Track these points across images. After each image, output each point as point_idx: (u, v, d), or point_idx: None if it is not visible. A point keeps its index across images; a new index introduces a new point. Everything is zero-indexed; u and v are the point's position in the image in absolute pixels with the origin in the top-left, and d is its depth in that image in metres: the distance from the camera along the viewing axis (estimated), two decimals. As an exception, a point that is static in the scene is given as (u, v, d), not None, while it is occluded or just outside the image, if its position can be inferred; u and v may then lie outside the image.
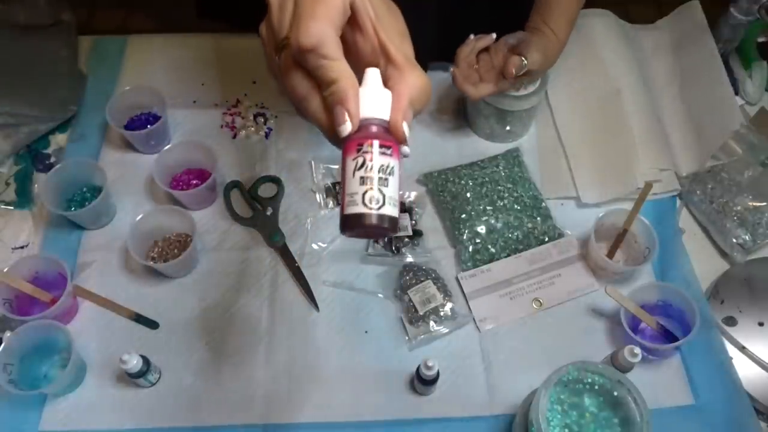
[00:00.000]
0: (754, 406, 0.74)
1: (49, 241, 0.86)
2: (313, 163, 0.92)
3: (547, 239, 0.85)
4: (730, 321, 0.79)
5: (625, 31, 1.02)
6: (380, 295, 0.82)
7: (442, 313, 0.79)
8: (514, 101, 0.87)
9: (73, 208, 0.86)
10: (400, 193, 0.89)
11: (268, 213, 0.88)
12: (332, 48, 0.43)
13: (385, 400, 0.75)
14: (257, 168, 0.92)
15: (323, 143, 0.94)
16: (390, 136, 0.45)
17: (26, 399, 0.74)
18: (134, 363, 0.70)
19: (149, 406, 0.74)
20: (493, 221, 0.85)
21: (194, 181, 0.89)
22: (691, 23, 1.01)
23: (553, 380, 0.61)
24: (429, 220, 0.88)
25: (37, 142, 0.94)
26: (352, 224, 0.44)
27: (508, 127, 0.92)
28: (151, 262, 0.81)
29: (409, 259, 0.84)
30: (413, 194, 0.89)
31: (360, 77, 0.45)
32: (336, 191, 0.89)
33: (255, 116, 0.97)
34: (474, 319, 0.80)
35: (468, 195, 0.86)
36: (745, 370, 0.76)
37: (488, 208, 0.85)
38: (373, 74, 0.45)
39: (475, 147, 0.95)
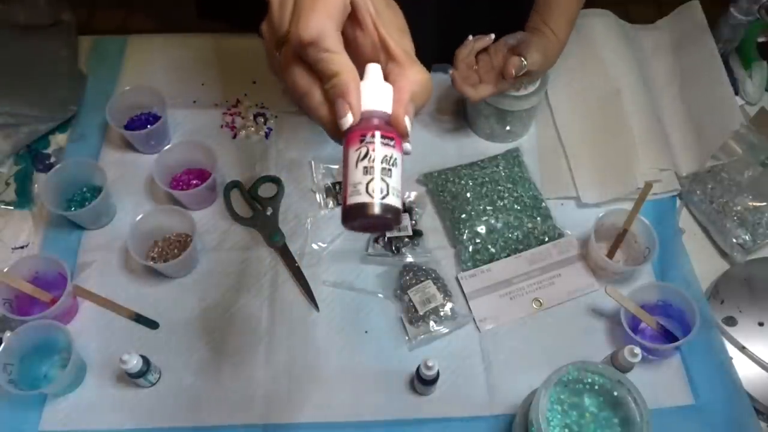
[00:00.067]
0: (754, 406, 0.74)
1: (49, 241, 0.86)
2: (313, 163, 0.92)
3: (547, 239, 0.85)
4: (730, 321, 0.79)
5: (625, 31, 1.02)
6: (380, 295, 0.82)
7: (442, 313, 0.79)
8: (514, 101, 0.87)
9: (73, 208, 0.86)
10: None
11: (268, 213, 0.88)
12: (332, 41, 0.43)
13: (385, 400, 0.75)
14: (257, 168, 0.92)
15: (323, 143, 0.94)
16: (392, 129, 0.45)
17: (26, 399, 0.74)
18: (134, 363, 0.70)
19: (149, 406, 0.74)
20: (493, 221, 0.85)
21: (194, 181, 0.89)
22: (691, 23, 1.01)
23: (553, 380, 0.61)
24: (429, 220, 0.88)
25: (37, 142, 0.94)
26: (354, 214, 0.43)
27: (508, 127, 0.92)
28: (151, 262, 0.81)
29: (409, 259, 0.84)
30: (413, 194, 0.89)
31: (361, 73, 0.45)
32: (336, 191, 0.89)
33: (255, 116, 0.97)
34: (474, 319, 0.80)
35: (468, 195, 0.86)
36: (745, 370, 0.76)
37: (488, 208, 0.85)
38: (374, 69, 0.45)
39: (475, 147, 0.95)
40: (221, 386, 0.76)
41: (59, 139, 0.95)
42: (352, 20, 0.46)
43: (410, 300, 0.79)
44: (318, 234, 0.87)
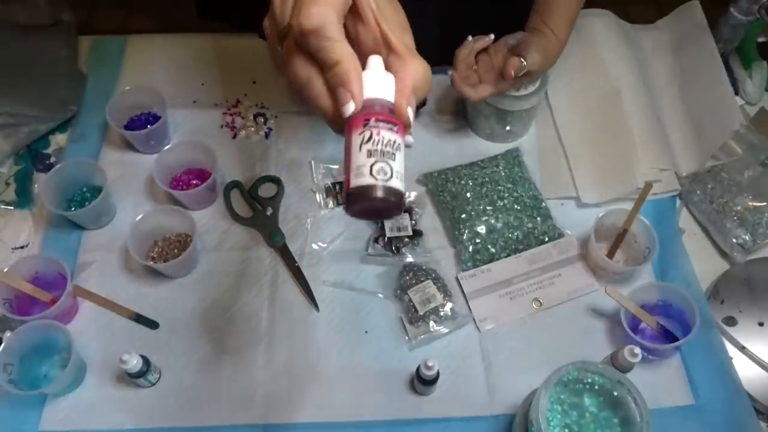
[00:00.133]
0: (754, 406, 0.74)
1: (49, 241, 0.86)
2: (313, 163, 0.92)
3: (547, 239, 0.85)
4: (730, 321, 0.79)
5: (625, 31, 1.02)
6: (380, 295, 0.82)
7: (442, 313, 0.79)
8: (514, 101, 0.87)
9: (73, 208, 0.86)
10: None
11: (268, 213, 0.88)
12: (334, 30, 0.44)
13: (385, 400, 0.75)
14: (257, 168, 0.92)
15: (323, 143, 0.94)
16: (395, 117, 0.45)
17: (26, 399, 0.74)
18: (134, 363, 0.70)
19: (149, 406, 0.74)
20: (493, 221, 0.85)
21: (194, 181, 0.89)
22: (691, 23, 1.01)
23: (553, 380, 0.61)
24: (429, 220, 0.88)
25: (37, 142, 0.94)
26: (358, 198, 0.43)
27: (508, 127, 0.92)
28: (151, 262, 0.81)
29: (409, 259, 0.84)
30: (413, 194, 0.89)
31: (363, 66, 0.45)
32: (336, 191, 0.89)
33: (255, 116, 0.97)
34: (474, 319, 0.80)
35: (468, 195, 0.86)
36: (745, 370, 0.76)
37: (488, 208, 0.85)
38: (375, 60, 0.46)
39: (475, 147, 0.95)
40: (221, 386, 0.76)
41: (59, 139, 0.95)
42: (353, 15, 0.46)
43: (410, 300, 0.79)
44: (318, 234, 0.87)
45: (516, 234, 0.85)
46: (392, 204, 0.43)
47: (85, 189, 0.88)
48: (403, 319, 0.80)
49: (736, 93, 0.98)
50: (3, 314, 0.75)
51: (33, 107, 0.92)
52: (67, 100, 0.96)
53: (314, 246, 0.86)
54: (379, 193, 0.42)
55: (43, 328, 0.74)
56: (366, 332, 0.79)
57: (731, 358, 0.76)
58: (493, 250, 0.84)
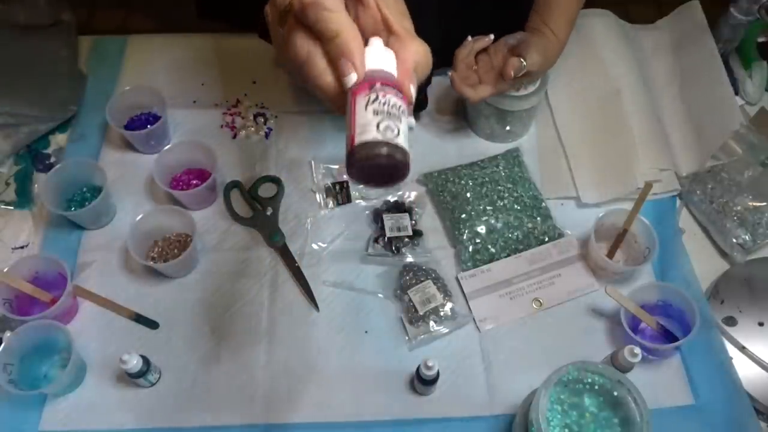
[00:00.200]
0: (754, 406, 0.74)
1: (49, 241, 0.86)
2: (313, 163, 0.92)
3: (547, 239, 0.85)
4: (730, 321, 0.79)
5: (625, 31, 1.02)
6: (380, 295, 0.82)
7: (442, 313, 0.79)
8: (514, 101, 0.87)
9: (73, 208, 0.86)
10: (400, 193, 0.89)
11: (268, 213, 0.88)
12: (333, 1, 0.44)
13: (385, 400, 0.75)
14: (257, 168, 0.92)
15: (323, 143, 0.94)
16: (399, 87, 0.44)
17: (26, 399, 0.74)
18: (134, 363, 0.70)
19: (149, 406, 0.74)
20: (493, 221, 0.85)
21: (194, 181, 0.89)
22: (691, 23, 1.01)
23: (553, 380, 0.61)
24: (429, 220, 0.88)
25: (37, 142, 0.94)
26: (363, 155, 0.41)
27: (508, 127, 0.92)
28: (151, 262, 0.81)
29: (409, 259, 0.84)
30: (413, 194, 0.89)
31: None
32: (336, 191, 0.89)
33: (255, 116, 0.97)
34: (474, 319, 0.80)
35: (468, 195, 0.86)
36: (745, 370, 0.76)
37: (488, 208, 0.85)
38: (376, 41, 0.46)
39: (475, 147, 0.95)
40: (221, 386, 0.76)
41: (59, 139, 0.95)
42: None
43: (410, 300, 0.79)
44: (318, 234, 0.87)
45: (516, 234, 0.85)
46: (398, 162, 0.41)
47: (85, 189, 0.88)
48: (403, 319, 0.80)
49: (736, 93, 0.98)
50: (3, 314, 0.75)
51: (33, 107, 0.92)
52: (67, 100, 0.96)
53: (314, 246, 0.86)
54: (386, 149, 0.41)
55: (43, 328, 0.74)
56: (366, 332, 0.79)
57: (731, 358, 0.76)
58: (493, 250, 0.84)
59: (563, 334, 0.79)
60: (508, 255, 0.84)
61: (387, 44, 0.46)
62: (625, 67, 0.96)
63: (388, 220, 0.85)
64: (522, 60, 0.79)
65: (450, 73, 0.83)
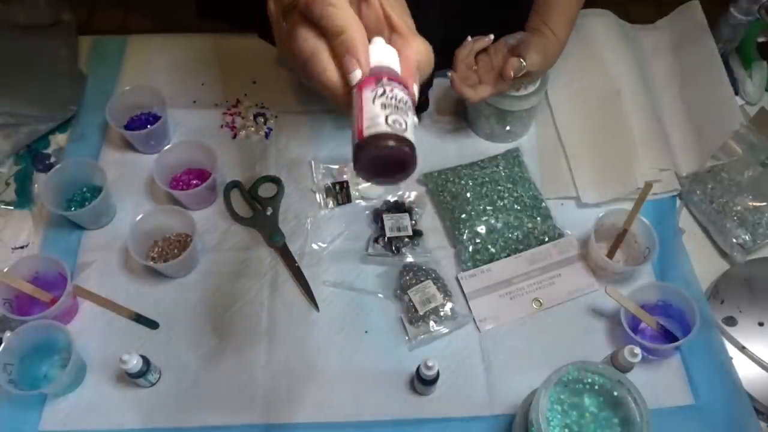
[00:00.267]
0: (754, 406, 0.74)
1: (49, 241, 0.86)
2: (313, 163, 0.92)
3: (547, 239, 0.85)
4: (730, 321, 0.79)
5: (625, 31, 1.02)
6: (380, 295, 0.82)
7: (442, 313, 0.79)
8: (514, 101, 0.87)
9: (73, 208, 0.86)
10: (400, 193, 0.89)
11: (268, 213, 0.88)
12: None
13: (385, 400, 0.75)
14: (257, 168, 0.92)
15: (323, 143, 0.94)
16: (404, 81, 0.44)
17: (26, 399, 0.74)
18: (134, 363, 0.70)
19: (149, 406, 0.74)
20: (493, 221, 0.85)
21: (194, 181, 0.89)
22: (691, 23, 1.01)
23: (553, 380, 0.61)
24: (429, 220, 0.88)
25: (37, 142, 0.94)
26: (372, 147, 0.41)
27: (508, 127, 0.92)
28: (151, 262, 0.81)
29: (409, 259, 0.84)
30: (413, 194, 0.89)
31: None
32: (336, 191, 0.89)
33: (255, 116, 0.97)
34: (474, 319, 0.80)
35: (468, 195, 0.86)
36: (745, 370, 0.76)
37: (488, 208, 0.85)
38: (379, 39, 0.46)
39: (475, 147, 0.95)
40: (221, 386, 0.76)
41: (59, 139, 0.95)
42: None
43: (410, 300, 0.79)
44: (318, 234, 0.87)
45: (516, 234, 0.85)
46: (407, 155, 0.41)
47: (85, 189, 0.88)
48: (403, 319, 0.80)
49: (736, 93, 0.98)
50: (3, 314, 0.75)
51: (33, 107, 0.92)
52: (67, 100, 0.96)
53: (314, 246, 0.86)
54: (394, 142, 0.41)
55: (43, 328, 0.74)
56: (366, 332, 0.79)
57: (731, 358, 0.76)
58: (493, 250, 0.84)
59: (563, 334, 0.79)
60: (508, 255, 0.84)
61: (389, 42, 0.47)
62: (625, 67, 0.96)
63: (388, 220, 0.85)
64: (522, 60, 0.79)
65: (450, 74, 0.83)
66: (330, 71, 0.44)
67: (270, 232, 0.86)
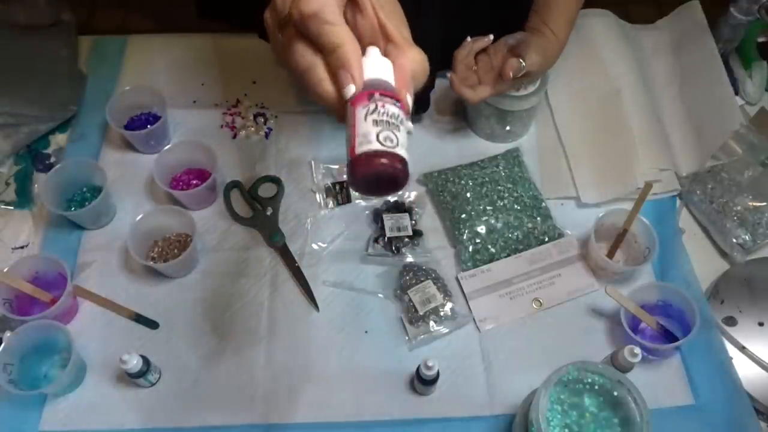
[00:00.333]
0: (754, 406, 0.74)
1: (49, 241, 0.86)
2: (313, 163, 0.92)
3: (547, 239, 0.85)
4: (730, 321, 0.79)
5: (625, 31, 1.02)
6: (380, 295, 0.82)
7: (442, 313, 0.79)
8: (514, 101, 0.87)
9: (73, 208, 0.86)
10: (400, 193, 0.89)
11: (268, 213, 0.88)
12: (333, 14, 0.44)
13: (385, 400, 0.75)
14: (257, 168, 0.92)
15: (323, 143, 0.94)
16: (396, 96, 0.45)
17: (26, 399, 0.74)
18: (134, 363, 0.70)
19: (149, 406, 0.74)
20: (493, 221, 0.85)
21: (194, 181, 0.89)
22: (691, 23, 1.01)
23: (553, 380, 0.61)
24: (429, 220, 0.88)
25: (37, 142, 0.94)
26: (364, 164, 0.42)
27: (508, 127, 0.92)
28: (151, 262, 0.81)
29: (409, 259, 0.84)
30: (413, 194, 0.89)
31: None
32: (336, 191, 0.89)
33: (255, 116, 0.97)
34: (474, 319, 0.80)
35: (468, 195, 0.86)
36: (745, 370, 0.76)
37: (488, 208, 0.85)
38: (373, 50, 0.46)
39: (475, 147, 0.95)
40: (221, 386, 0.76)
41: (59, 139, 0.95)
42: (352, 5, 0.47)
43: (410, 300, 0.79)
44: (318, 234, 0.87)
45: (516, 234, 0.85)
46: (399, 171, 0.42)
47: (85, 189, 0.88)
48: (403, 319, 0.80)
49: (736, 93, 0.98)
50: (3, 314, 0.75)
51: (33, 107, 0.92)
52: (67, 100, 0.96)
53: (314, 246, 0.86)
54: (387, 159, 0.42)
55: (43, 328, 0.74)
56: (366, 332, 0.79)
57: (731, 358, 0.76)
58: (493, 250, 0.84)
59: (563, 334, 0.79)
60: (508, 255, 0.84)
61: (384, 52, 0.47)
62: (625, 67, 0.96)
63: (388, 220, 0.85)
64: (521, 60, 0.79)
65: (449, 74, 0.83)
66: (326, 84, 0.45)
67: (270, 232, 0.86)
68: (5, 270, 0.76)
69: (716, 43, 0.97)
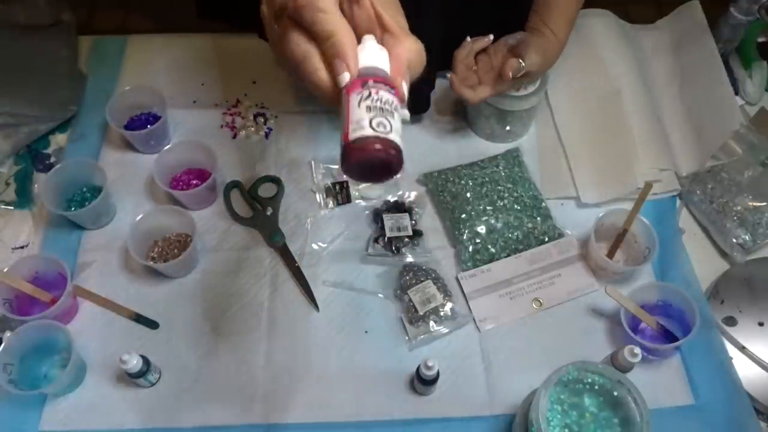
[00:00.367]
0: (754, 406, 0.74)
1: (49, 241, 0.86)
2: (313, 163, 0.92)
3: (547, 239, 0.85)
4: (730, 321, 0.79)
5: (625, 31, 1.02)
6: (380, 295, 0.82)
7: (442, 313, 0.79)
8: (514, 101, 0.87)
9: (73, 208, 0.86)
10: (400, 193, 0.89)
11: (268, 213, 0.88)
12: (327, 2, 0.44)
13: (385, 400, 0.75)
14: (257, 168, 0.92)
15: (323, 143, 0.94)
16: (391, 83, 0.45)
17: (26, 399, 0.74)
18: (134, 363, 0.70)
19: (149, 406, 0.74)
20: (493, 221, 0.85)
21: (194, 181, 0.89)
22: (691, 23, 1.01)
23: (553, 380, 0.61)
24: (429, 220, 0.88)
25: (37, 142, 0.94)
26: (356, 150, 0.42)
27: (508, 127, 0.92)
28: (151, 262, 0.81)
29: (409, 259, 0.84)
30: (413, 194, 0.89)
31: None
32: (336, 191, 0.89)
33: (255, 116, 0.97)
34: (474, 319, 0.80)
35: (468, 195, 0.86)
36: (745, 370, 0.76)
37: (488, 208, 0.85)
38: (370, 39, 0.46)
39: (475, 147, 0.95)
40: (221, 386, 0.76)
41: (59, 139, 0.95)
42: None
43: (410, 300, 0.79)
44: (318, 234, 0.87)
45: (516, 234, 0.85)
46: (392, 157, 0.43)
47: (85, 189, 0.88)
48: (403, 319, 0.80)
49: (736, 93, 0.98)
50: (3, 314, 0.75)
51: (33, 107, 0.92)
52: (67, 100, 0.96)
53: (314, 246, 0.86)
54: (379, 145, 0.42)
55: (43, 328, 0.74)
56: (366, 332, 0.79)
57: (731, 358, 0.76)
58: (493, 250, 0.84)
59: (563, 334, 0.79)
60: (508, 255, 0.84)
61: (381, 41, 0.47)
62: (625, 67, 0.96)
63: (388, 220, 0.85)
64: (520, 61, 0.79)
65: (449, 75, 0.83)
66: (321, 72, 0.45)
67: (270, 232, 0.86)
68: (5, 270, 0.76)
69: (716, 43, 0.97)
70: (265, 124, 0.96)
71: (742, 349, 0.77)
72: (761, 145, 0.89)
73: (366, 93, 0.43)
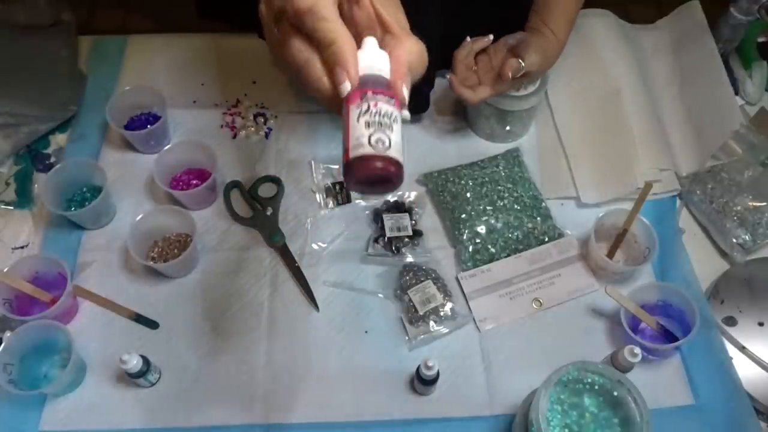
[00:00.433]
0: (754, 406, 0.74)
1: (49, 241, 0.86)
2: (313, 163, 0.92)
3: (547, 239, 0.85)
4: (730, 321, 0.79)
5: (625, 31, 1.02)
6: (380, 295, 0.82)
7: (442, 313, 0.79)
8: (514, 101, 0.87)
9: (73, 208, 0.86)
10: (400, 193, 0.89)
11: (268, 213, 0.88)
12: (328, 9, 0.44)
13: (385, 400, 0.75)
14: (257, 168, 0.92)
15: (323, 143, 0.94)
16: (391, 91, 0.45)
17: (26, 399, 0.74)
18: (134, 363, 0.70)
19: (149, 406, 0.74)
20: (493, 221, 0.85)
21: (194, 181, 0.89)
22: (691, 23, 1.01)
23: (553, 380, 0.61)
24: (429, 220, 0.88)
25: (37, 142, 0.94)
26: (357, 168, 0.43)
27: (508, 127, 0.92)
28: (151, 262, 0.81)
29: (409, 259, 0.84)
30: (413, 194, 0.89)
31: (358, 47, 0.46)
32: (336, 191, 0.89)
33: (255, 116, 0.97)
34: (474, 319, 0.80)
35: (468, 195, 0.86)
36: (745, 370, 0.76)
37: (488, 208, 0.85)
38: (370, 40, 0.46)
39: (475, 147, 0.95)
40: (221, 386, 0.76)
41: (59, 139, 0.95)
42: None
43: (410, 300, 0.79)
44: (318, 234, 0.87)
45: (516, 234, 0.85)
46: (392, 173, 0.43)
47: (85, 189, 0.88)
48: (403, 319, 0.80)
49: (736, 93, 0.98)
50: (3, 314, 0.75)
51: (33, 107, 0.92)
52: (67, 100, 0.96)
53: (314, 246, 0.86)
54: (378, 163, 0.43)
55: (43, 328, 0.74)
56: (366, 332, 0.79)
57: (731, 358, 0.76)
58: (493, 250, 0.84)
59: (563, 334, 0.79)
60: (508, 255, 0.84)
61: (382, 42, 0.47)
62: (625, 67, 0.96)
63: (388, 220, 0.85)
64: (520, 61, 0.79)
65: (449, 75, 0.83)
66: (322, 79, 0.45)
67: (270, 232, 0.86)
68: (5, 270, 0.76)
69: (716, 43, 0.97)
70: (265, 124, 0.96)
71: (742, 349, 0.77)
72: (761, 145, 0.89)
73: (365, 107, 0.43)
